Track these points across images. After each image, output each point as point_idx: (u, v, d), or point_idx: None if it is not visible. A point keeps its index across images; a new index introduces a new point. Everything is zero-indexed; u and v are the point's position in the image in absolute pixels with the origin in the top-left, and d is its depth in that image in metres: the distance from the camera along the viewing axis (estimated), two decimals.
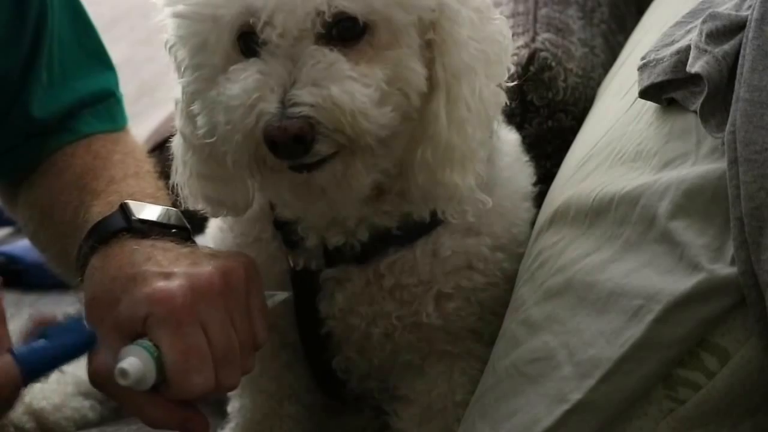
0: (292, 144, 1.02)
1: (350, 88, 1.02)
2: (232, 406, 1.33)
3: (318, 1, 1.02)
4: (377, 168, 1.10)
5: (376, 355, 1.25)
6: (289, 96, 1.02)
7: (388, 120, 1.05)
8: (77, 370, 1.32)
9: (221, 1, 1.05)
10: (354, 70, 1.03)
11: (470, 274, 1.21)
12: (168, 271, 1.08)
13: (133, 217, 1.15)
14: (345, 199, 1.12)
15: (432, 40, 1.08)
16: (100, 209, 1.20)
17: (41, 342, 1.07)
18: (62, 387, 1.47)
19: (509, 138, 1.29)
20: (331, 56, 1.03)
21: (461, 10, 1.08)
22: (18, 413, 1.41)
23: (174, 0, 1.09)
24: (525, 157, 1.30)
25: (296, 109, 1.01)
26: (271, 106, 1.02)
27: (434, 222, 1.18)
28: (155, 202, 1.19)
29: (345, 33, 1.05)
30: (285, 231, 1.21)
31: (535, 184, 1.29)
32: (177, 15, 1.09)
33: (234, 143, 1.05)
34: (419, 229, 1.18)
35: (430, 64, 1.08)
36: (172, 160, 1.21)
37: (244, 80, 1.04)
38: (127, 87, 2.58)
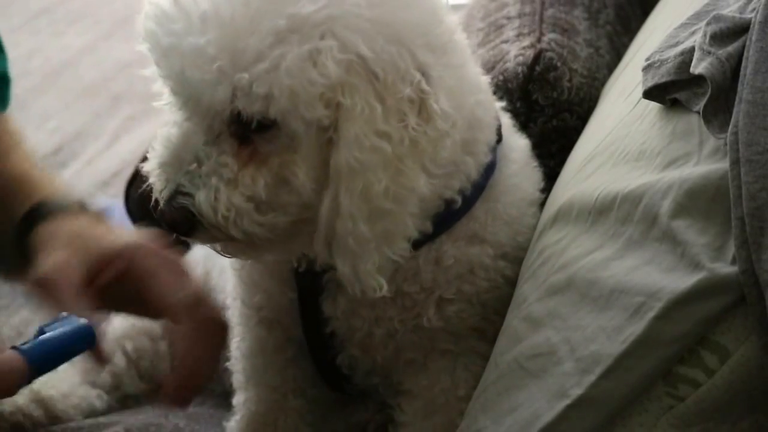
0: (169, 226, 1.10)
1: (221, 196, 1.07)
2: (237, 399, 1.34)
3: (219, 100, 1.05)
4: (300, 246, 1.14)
5: (379, 353, 1.26)
6: (179, 183, 1.08)
7: (272, 223, 1.08)
8: (83, 359, 1.33)
9: (163, 66, 1.10)
10: (238, 175, 1.07)
11: (473, 279, 1.22)
12: None
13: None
14: (296, 247, 1.16)
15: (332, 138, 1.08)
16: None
17: (44, 336, 1.07)
18: (70, 376, 1.48)
19: (518, 144, 1.29)
20: (222, 158, 1.07)
21: (357, 106, 1.06)
22: (26, 401, 1.41)
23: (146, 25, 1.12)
24: (533, 163, 1.30)
25: (178, 200, 1.08)
26: (167, 187, 1.09)
27: (438, 230, 1.18)
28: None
29: (245, 127, 1.07)
30: None
31: (543, 190, 1.29)
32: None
33: None
34: (422, 237, 1.16)
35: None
36: None
37: (164, 145, 1.10)
38: (136, 86, 2.59)
